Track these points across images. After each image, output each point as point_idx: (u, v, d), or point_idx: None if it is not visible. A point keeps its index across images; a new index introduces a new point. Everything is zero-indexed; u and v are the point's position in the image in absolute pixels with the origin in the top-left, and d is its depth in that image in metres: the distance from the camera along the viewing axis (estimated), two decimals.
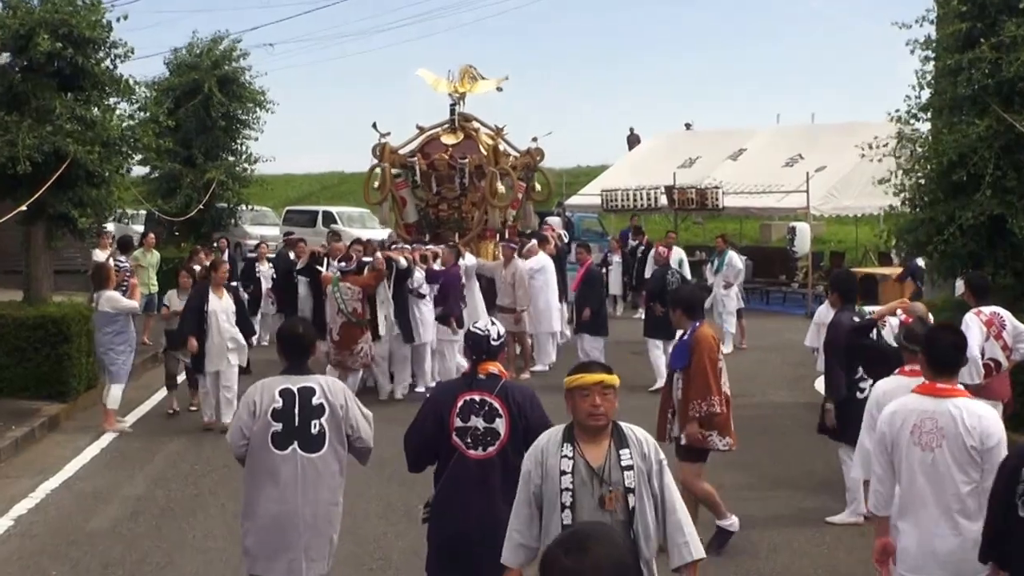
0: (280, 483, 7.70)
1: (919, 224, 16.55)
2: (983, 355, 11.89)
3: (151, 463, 14.72)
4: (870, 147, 17.59)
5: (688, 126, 46.53)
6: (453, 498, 7.45)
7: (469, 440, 7.40)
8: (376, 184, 22.50)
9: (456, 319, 18.89)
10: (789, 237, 31.45)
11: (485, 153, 22.22)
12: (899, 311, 10.99)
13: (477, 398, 7.43)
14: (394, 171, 22.24)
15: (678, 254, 25.51)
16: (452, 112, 22.44)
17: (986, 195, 15.16)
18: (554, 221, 37.30)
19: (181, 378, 18.05)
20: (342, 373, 17.43)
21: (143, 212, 32.75)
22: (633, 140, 50.38)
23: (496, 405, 7.41)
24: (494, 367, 7.60)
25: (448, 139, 22.42)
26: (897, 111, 16.97)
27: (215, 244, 33.19)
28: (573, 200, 42.08)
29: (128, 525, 12.06)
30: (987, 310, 12.33)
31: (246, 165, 33.02)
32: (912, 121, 17.07)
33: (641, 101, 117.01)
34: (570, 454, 6.11)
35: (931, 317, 10.70)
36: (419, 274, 18.74)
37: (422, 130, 22.67)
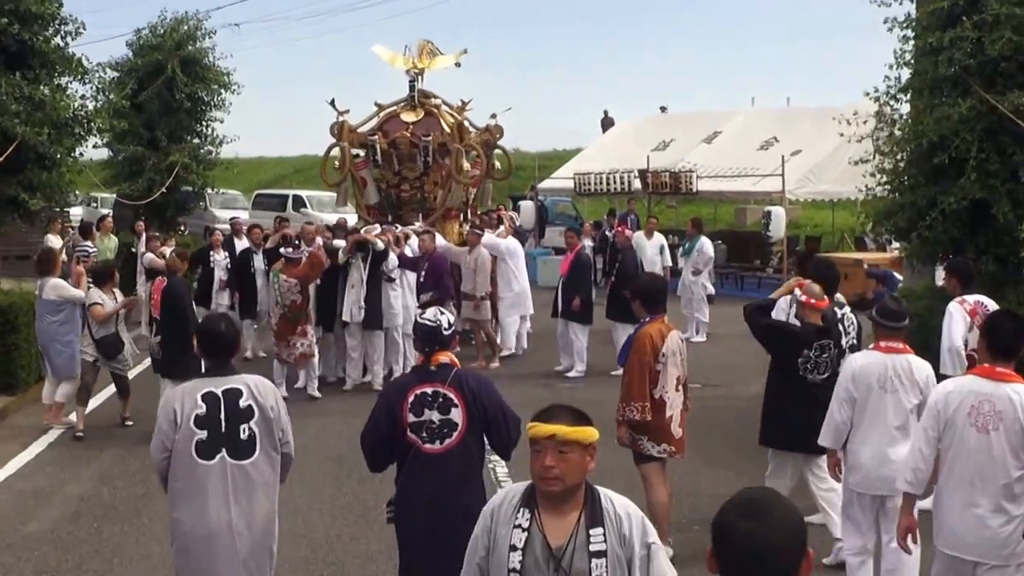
0: (209, 496, 7.12)
1: (899, 209, 16.01)
2: (966, 346, 11.29)
3: (98, 459, 14.11)
4: (848, 123, 17.04)
5: (663, 109, 46.17)
6: (413, 493, 7.19)
7: (424, 434, 7.12)
8: (336, 164, 21.79)
9: (452, 302, 18.44)
10: (764, 221, 30.99)
11: (448, 130, 21.53)
12: (796, 290, 10.67)
13: (429, 391, 7.15)
14: (353, 151, 21.58)
15: (659, 240, 25.00)
16: (412, 89, 21.67)
17: (970, 179, 14.65)
18: (526, 205, 36.99)
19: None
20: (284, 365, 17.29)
21: (113, 196, 32.22)
22: (607, 123, 49.95)
23: (450, 395, 7.14)
24: (446, 357, 7.31)
25: (408, 116, 21.67)
26: (876, 90, 16.42)
27: (181, 229, 32.70)
28: (546, 184, 41.82)
29: (68, 528, 11.44)
30: (971, 299, 11.68)
31: (211, 147, 32.24)
32: (891, 102, 16.50)
33: (616, 84, 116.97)
34: (525, 524, 4.80)
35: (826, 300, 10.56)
36: (392, 257, 18.20)
37: (381, 108, 21.91)
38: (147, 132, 30.78)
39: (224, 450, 7.12)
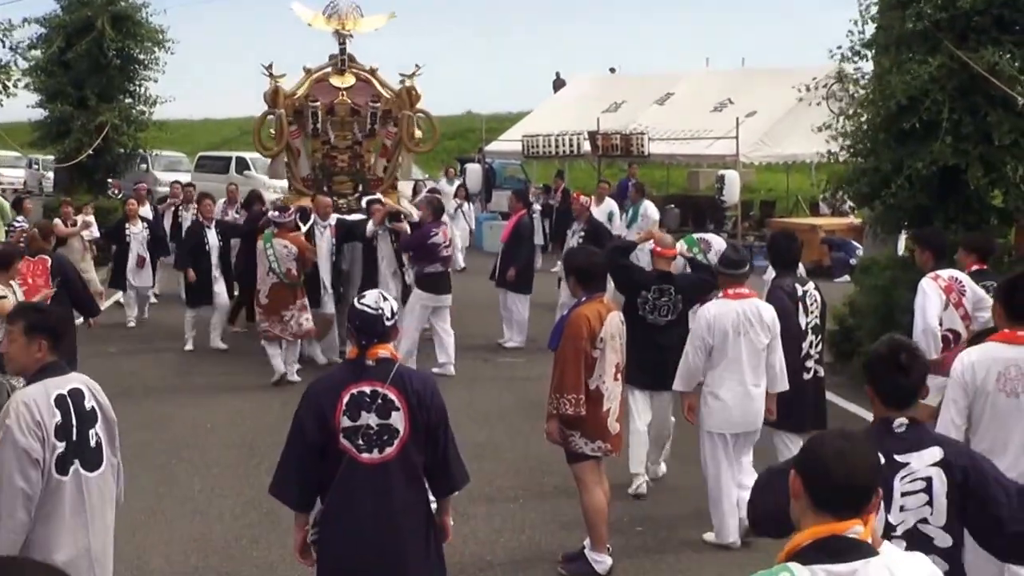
0: (66, 516, 6.02)
1: (862, 174, 15.11)
2: (941, 325, 10.31)
3: None
4: (807, 89, 16.19)
5: (613, 71, 45.27)
6: (346, 512, 6.17)
7: (361, 441, 6.11)
8: (271, 133, 20.31)
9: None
10: (718, 186, 30.16)
11: (388, 95, 20.12)
12: (651, 241, 11.51)
13: (367, 390, 6.15)
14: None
15: (609, 206, 23.78)
16: (342, 52, 20.24)
17: (943, 143, 13.85)
18: (472, 168, 36.04)
19: None
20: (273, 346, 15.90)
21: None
22: (559, 85, 49.03)
23: (391, 396, 6.15)
24: (386, 351, 6.28)
25: (338, 81, 20.21)
26: (839, 48, 15.53)
27: (113, 192, 31.40)
28: (494, 146, 40.85)
29: None
30: (945, 274, 10.54)
31: (144, 108, 30.91)
32: (855, 59, 15.62)
33: (569, 46, 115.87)
34: None
35: (681, 247, 11.68)
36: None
37: (309, 72, 20.45)
38: (75, 91, 29.49)
39: (77, 461, 6.05)
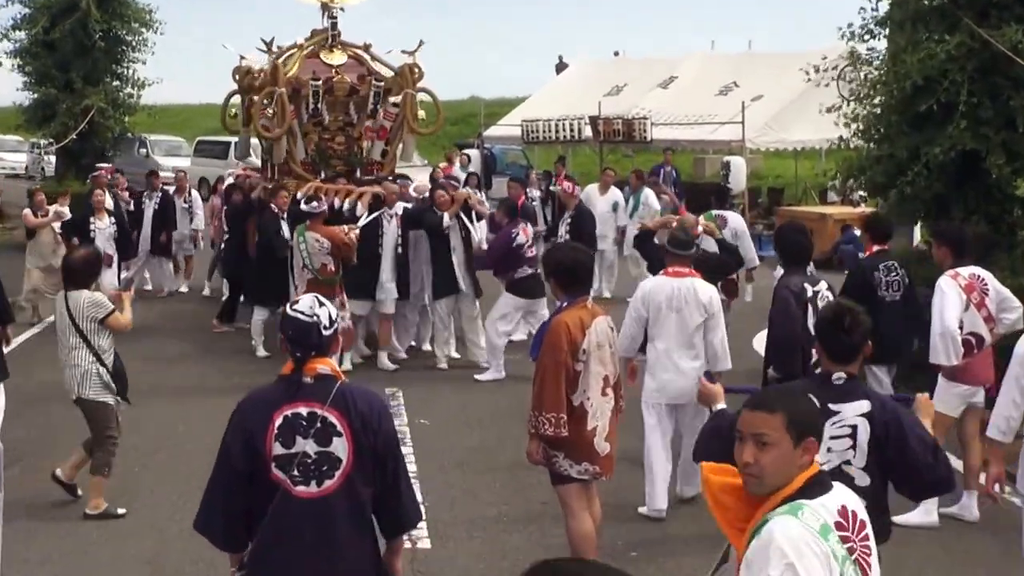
0: None
1: (875, 161, 14.29)
2: (962, 328, 9.42)
3: None
4: (816, 70, 15.41)
5: (617, 54, 44.51)
6: (277, 555, 5.29)
7: (296, 472, 5.23)
8: (269, 113, 18.98)
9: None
10: (723, 172, 29.45)
11: (384, 74, 19.02)
12: (674, 223, 12.36)
13: (303, 411, 5.27)
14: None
15: (614, 196, 22.65)
16: (333, 27, 19.07)
17: (959, 127, 13.13)
18: (471, 154, 35.22)
19: None
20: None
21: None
22: (562, 69, 48.28)
23: (332, 419, 5.26)
24: (325, 366, 5.37)
25: (331, 58, 19.03)
26: (850, 26, 14.73)
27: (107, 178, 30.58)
28: (493, 131, 40.08)
29: None
30: (965, 272, 9.70)
31: (131, 91, 30.12)
32: (867, 38, 14.86)
33: (573, 28, 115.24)
34: None
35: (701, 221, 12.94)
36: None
37: (301, 48, 19.25)
38: (61, 73, 28.69)
39: None
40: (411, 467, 11.09)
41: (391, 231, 15.68)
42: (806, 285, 9.36)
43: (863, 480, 5.77)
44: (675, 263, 10.02)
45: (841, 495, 4.27)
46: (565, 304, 7.94)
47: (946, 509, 9.68)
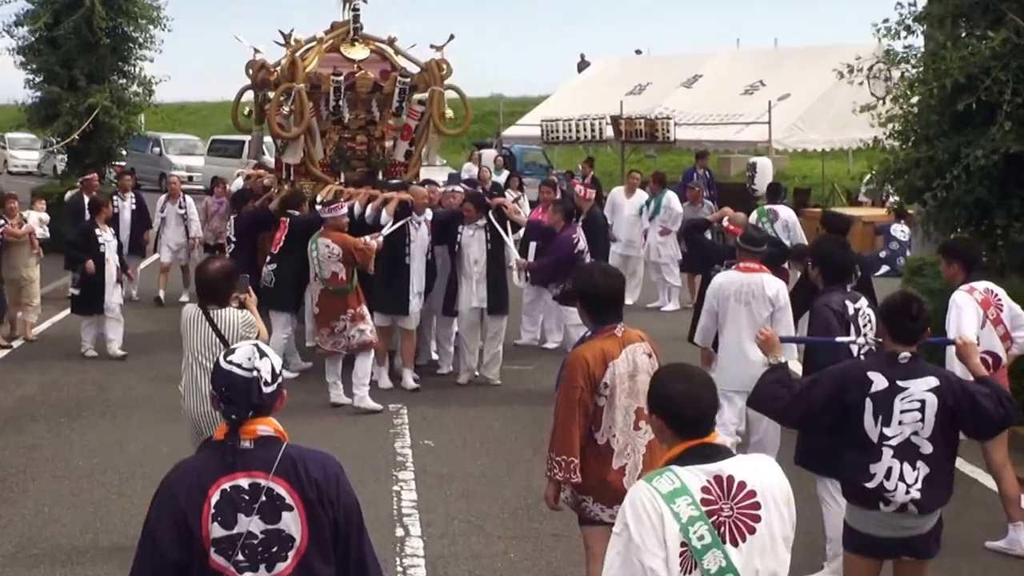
0: None
1: (914, 164, 13.37)
2: (978, 345, 8.67)
3: None
4: (851, 70, 14.55)
5: (639, 52, 43.91)
6: None
7: (242, 557, 4.33)
8: (285, 111, 17.80)
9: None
10: (749, 173, 28.94)
11: (409, 70, 17.86)
12: (725, 219, 13.45)
13: (244, 483, 4.34)
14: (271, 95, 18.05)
15: (641, 199, 21.54)
16: (355, 20, 17.90)
17: (1003, 128, 12.25)
18: (488, 154, 34.52)
19: None
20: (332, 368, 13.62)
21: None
22: (584, 67, 47.91)
23: (280, 491, 4.36)
24: (267, 427, 4.44)
25: (352, 52, 17.88)
26: (885, 21, 13.89)
27: (114, 178, 29.98)
28: (512, 131, 39.68)
29: None
30: (980, 286, 9.59)
31: (138, 89, 29.34)
32: (904, 34, 13.97)
33: (596, 27, 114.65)
34: None
35: (752, 217, 14.24)
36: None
37: (321, 41, 18.13)
38: (64, 71, 27.85)
39: None
40: (411, 495, 10.37)
41: (420, 239, 14.61)
42: (847, 303, 8.63)
43: (927, 448, 6.49)
44: (746, 258, 10.52)
45: (725, 465, 4.45)
46: (590, 333, 7.15)
47: (993, 544, 9.41)
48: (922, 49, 14.15)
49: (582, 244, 14.38)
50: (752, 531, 4.35)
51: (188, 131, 54.27)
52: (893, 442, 6.43)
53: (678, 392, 4.59)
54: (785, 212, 18.08)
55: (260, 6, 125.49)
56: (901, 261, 21.59)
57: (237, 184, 20.49)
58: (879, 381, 6.49)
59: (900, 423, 6.40)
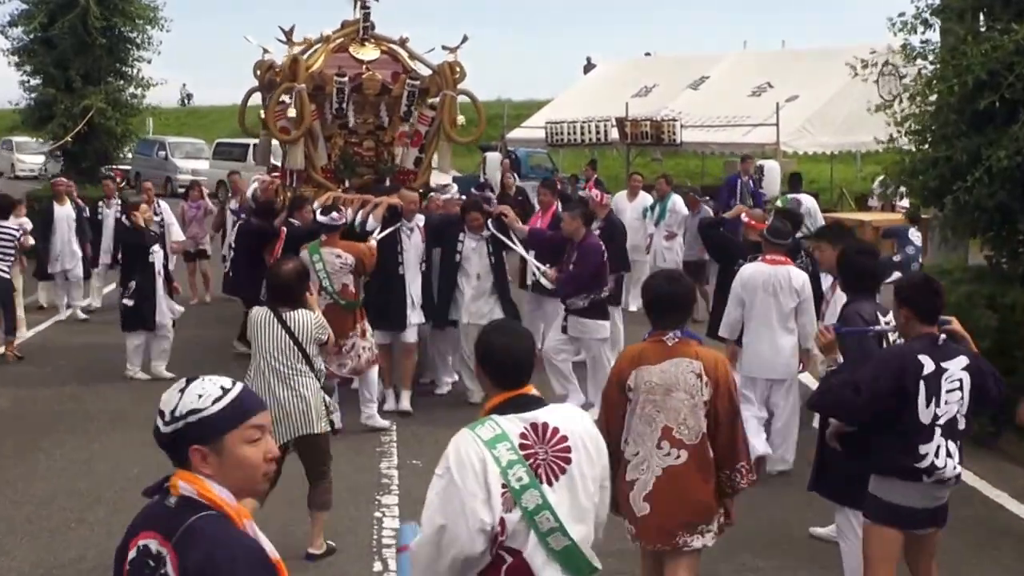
0: None
1: (930, 164, 12.66)
2: None
3: None
4: (864, 65, 13.93)
5: (648, 55, 43.30)
6: None
7: None
8: (292, 113, 16.72)
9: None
10: (757, 176, 27.95)
11: (421, 72, 16.93)
12: (743, 215, 14.16)
13: (153, 546, 3.62)
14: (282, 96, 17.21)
15: (644, 202, 21.12)
16: (366, 18, 16.90)
17: None
18: (492, 157, 33.79)
19: None
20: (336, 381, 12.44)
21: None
22: (590, 70, 47.39)
23: (169, 568, 3.55)
24: (189, 485, 3.68)
25: (361, 52, 16.92)
26: (901, 15, 13.28)
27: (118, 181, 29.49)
28: (517, 133, 39.09)
29: None
30: None
31: (135, 91, 28.88)
32: (921, 28, 13.35)
33: (604, 30, 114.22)
34: None
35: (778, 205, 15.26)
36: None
37: (328, 40, 17.16)
38: (60, 72, 27.36)
39: None
40: (393, 522, 9.67)
41: (414, 246, 13.83)
42: (879, 315, 7.93)
43: (962, 424, 6.78)
44: (772, 251, 11.11)
45: (540, 413, 4.85)
46: (646, 336, 7.02)
47: None
48: (940, 44, 13.52)
49: (606, 253, 13.30)
50: (564, 471, 4.76)
51: (197, 135, 53.75)
52: (941, 421, 6.66)
53: (498, 345, 4.97)
54: (808, 200, 20.20)
55: (278, 9, 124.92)
56: (915, 267, 20.97)
57: (251, 189, 19.74)
58: (928, 364, 6.66)
59: (946, 403, 6.67)
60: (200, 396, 3.71)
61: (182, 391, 3.72)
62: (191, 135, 54.08)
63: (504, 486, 4.66)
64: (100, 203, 19.47)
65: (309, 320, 8.60)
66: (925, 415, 6.60)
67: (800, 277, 11.02)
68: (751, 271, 11.11)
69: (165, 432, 3.70)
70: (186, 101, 78.84)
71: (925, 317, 6.76)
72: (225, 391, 3.73)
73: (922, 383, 6.59)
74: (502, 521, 4.64)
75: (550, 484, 4.72)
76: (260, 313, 8.66)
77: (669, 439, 6.64)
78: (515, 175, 28.24)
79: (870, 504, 6.94)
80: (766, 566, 9.01)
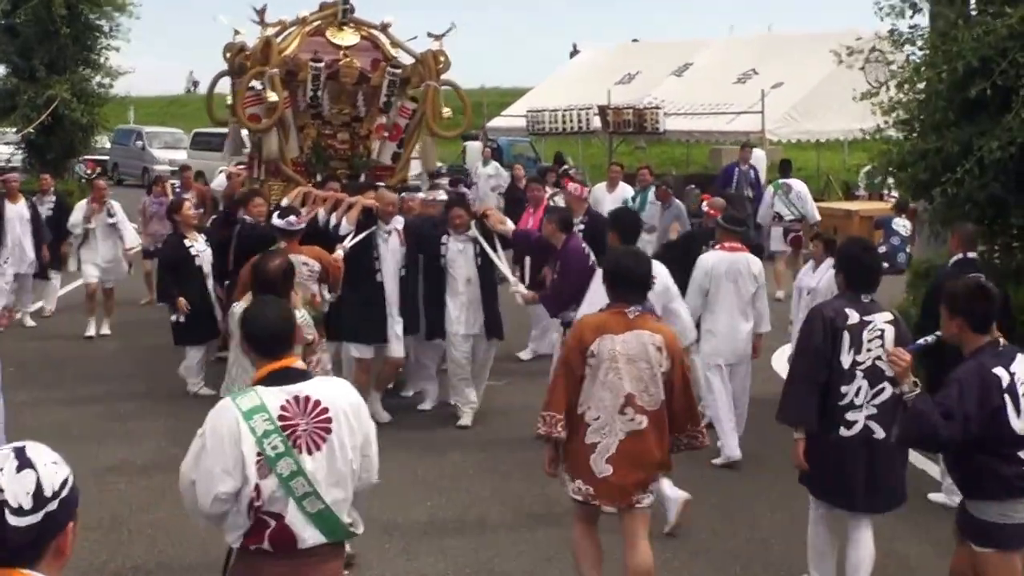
0: None
1: (919, 156, 12.06)
2: None
3: None
4: (850, 52, 13.39)
5: (636, 41, 42.91)
6: None
7: None
8: (272, 97, 15.61)
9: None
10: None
11: (401, 61, 15.98)
12: (704, 204, 14.48)
13: None
14: (254, 83, 16.20)
15: (623, 193, 20.58)
16: (345, 1, 15.83)
17: (1020, 117, 10.97)
18: (473, 146, 33.54)
19: None
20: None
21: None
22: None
23: None
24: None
25: (339, 37, 15.84)
26: None
27: (82, 173, 28.88)
28: (498, 122, 38.53)
29: None
30: None
31: (102, 80, 28.27)
32: (910, 12, 12.83)
33: (590, 18, 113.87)
34: None
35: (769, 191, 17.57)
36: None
37: (305, 22, 16.10)
38: (23, 62, 26.76)
39: None
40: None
41: (391, 252, 12.77)
42: (848, 311, 7.47)
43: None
44: (729, 239, 11.48)
45: (304, 386, 5.13)
46: (604, 307, 7.39)
47: None
48: (929, 29, 12.93)
49: (592, 257, 11.93)
50: (325, 441, 5.07)
51: (179, 125, 52.95)
52: None
53: (256, 318, 5.33)
54: (798, 185, 21.02)
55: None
56: (902, 257, 20.49)
57: (219, 182, 18.75)
58: (1004, 376, 6.48)
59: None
60: (54, 461, 3.17)
61: (29, 467, 3.08)
62: (172, 125, 53.18)
63: (260, 454, 4.94)
64: (33, 197, 18.16)
65: (298, 319, 7.82)
66: (1018, 425, 6.45)
67: (757, 264, 11.56)
68: (713, 260, 11.40)
69: (32, 524, 3.04)
70: (192, 89, 78.08)
71: (980, 326, 6.59)
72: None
73: (1007, 396, 6.45)
74: (257, 487, 4.94)
75: (310, 453, 5.03)
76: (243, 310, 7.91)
77: (633, 405, 7.02)
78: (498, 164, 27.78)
79: (992, 534, 6.61)
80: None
